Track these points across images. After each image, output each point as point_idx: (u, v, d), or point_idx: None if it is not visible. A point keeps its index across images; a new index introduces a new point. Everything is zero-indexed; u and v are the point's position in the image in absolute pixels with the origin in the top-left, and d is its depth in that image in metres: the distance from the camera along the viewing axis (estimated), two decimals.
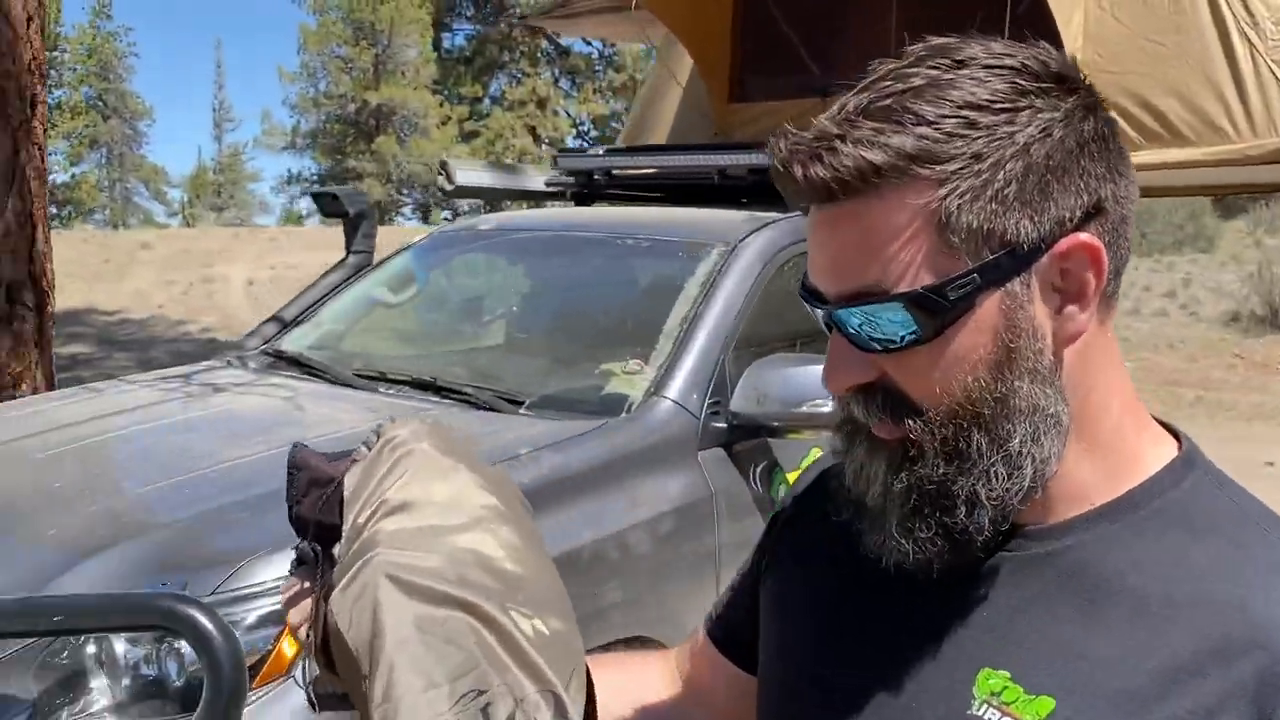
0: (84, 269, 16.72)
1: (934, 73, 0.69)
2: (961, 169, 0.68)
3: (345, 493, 0.87)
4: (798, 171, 0.69)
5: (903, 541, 0.72)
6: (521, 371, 2.82)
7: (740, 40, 3.77)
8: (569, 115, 42.31)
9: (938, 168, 0.67)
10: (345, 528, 0.85)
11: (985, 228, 0.68)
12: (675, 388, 2.50)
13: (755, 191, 3.31)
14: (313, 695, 0.88)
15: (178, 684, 1.68)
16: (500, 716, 0.74)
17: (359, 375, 2.84)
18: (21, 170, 3.79)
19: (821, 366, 2.26)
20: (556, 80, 42.12)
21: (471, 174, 3.80)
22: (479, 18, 41.31)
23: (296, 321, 3.38)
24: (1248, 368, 10.90)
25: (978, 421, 0.70)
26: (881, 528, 0.74)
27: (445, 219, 39.04)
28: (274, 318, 3.42)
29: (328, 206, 3.49)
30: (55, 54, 25.93)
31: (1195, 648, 0.67)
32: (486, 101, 40.85)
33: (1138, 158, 3.05)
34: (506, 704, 0.75)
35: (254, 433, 2.33)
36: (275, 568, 1.75)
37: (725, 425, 2.52)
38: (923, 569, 0.73)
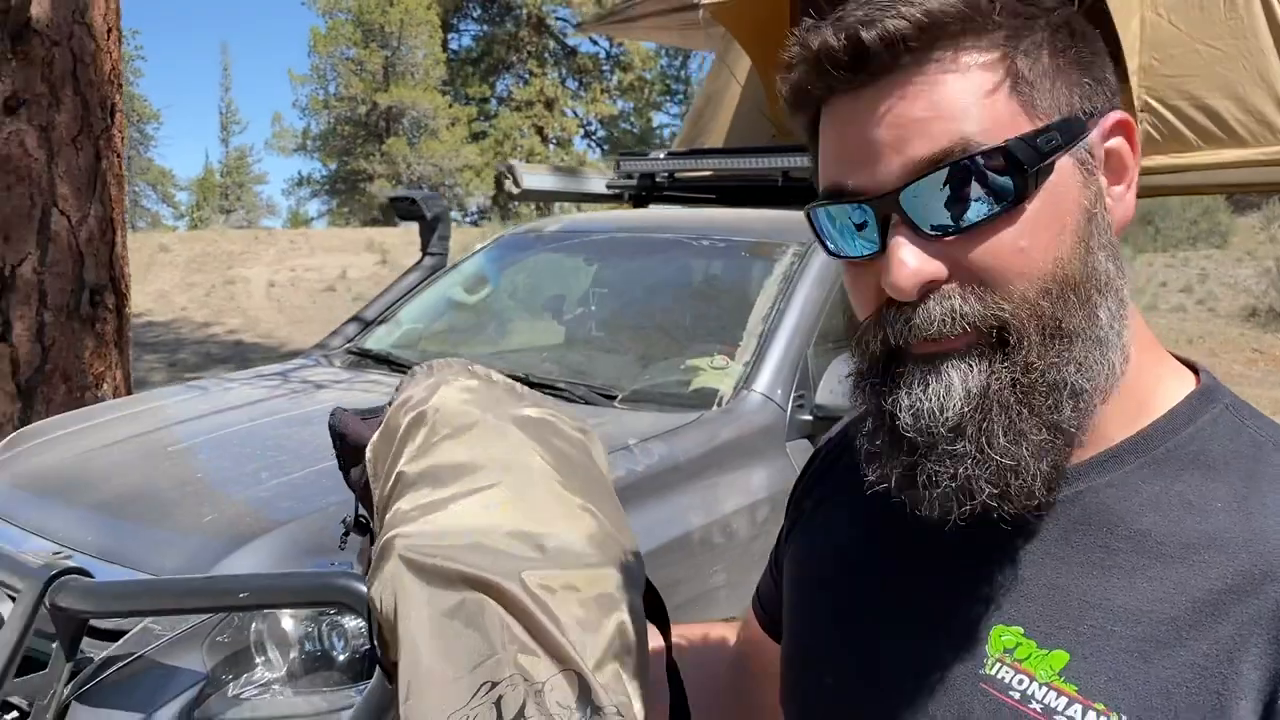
0: None
1: None
2: (1020, 27, 0.66)
3: (368, 464, 0.84)
4: (871, 33, 0.63)
5: (980, 461, 0.65)
6: (608, 367, 2.93)
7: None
8: (577, 115, 42.40)
9: (1001, 19, 0.65)
10: (375, 500, 0.83)
11: (1053, 87, 0.66)
12: (763, 381, 2.62)
13: (814, 191, 3.43)
14: (384, 665, 0.82)
15: (343, 657, 1.80)
16: (511, 710, 0.69)
17: None
18: (103, 177, 3.91)
19: None
20: (564, 80, 42.21)
21: (537, 178, 3.93)
22: (485, 18, 41.43)
23: (378, 321, 3.50)
24: (1268, 362, 10.99)
25: (1076, 293, 0.65)
26: (954, 455, 0.65)
27: (455, 220, 39.11)
28: (355, 318, 3.54)
29: (405, 210, 3.61)
30: None
31: (1211, 588, 0.64)
32: (494, 102, 40.97)
33: (1194, 157, 3.17)
34: (517, 695, 0.70)
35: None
36: None
37: (810, 417, 2.63)
38: (960, 512, 0.66)
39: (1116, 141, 0.69)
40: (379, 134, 35.46)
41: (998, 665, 0.69)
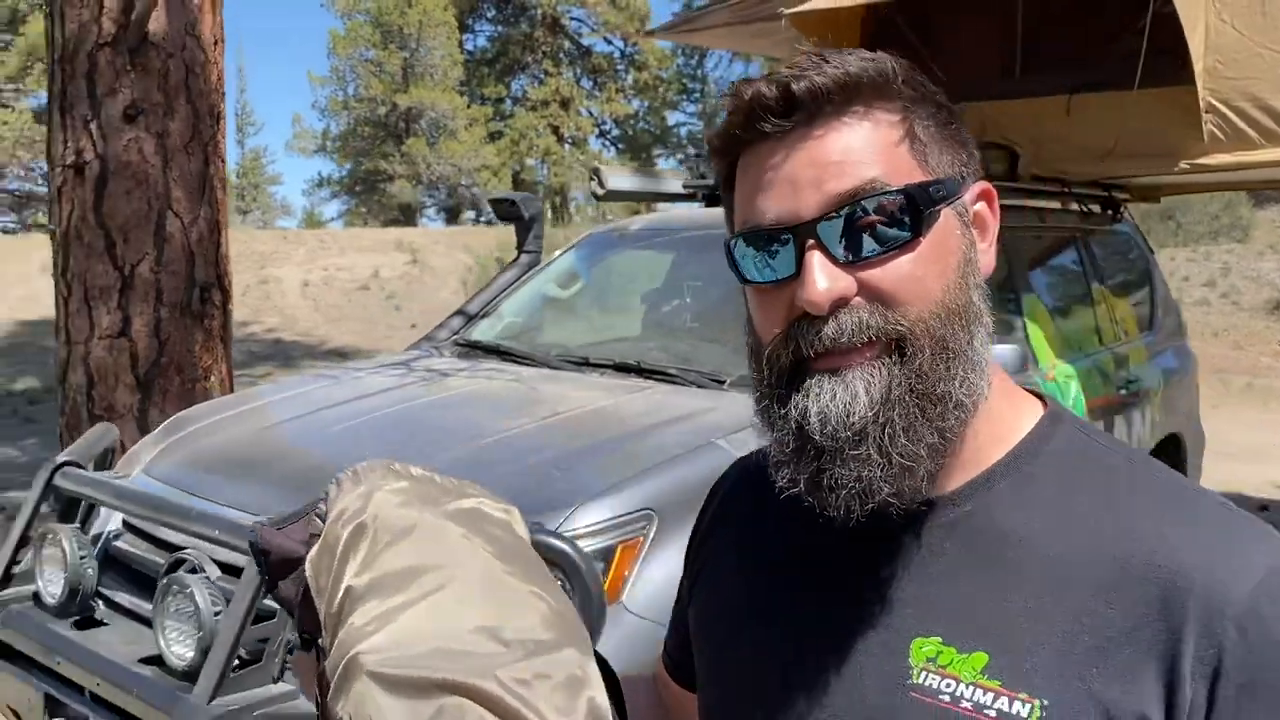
0: None
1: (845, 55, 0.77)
2: (916, 98, 0.77)
3: (309, 580, 0.85)
4: (801, 85, 0.73)
5: (881, 462, 0.73)
6: (711, 355, 3.13)
7: (870, 47, 4.08)
8: (592, 115, 42.57)
9: (903, 90, 0.77)
10: (321, 616, 0.84)
11: (940, 151, 0.78)
12: None
13: None
14: None
15: None
16: None
17: (564, 360, 3.17)
18: (210, 181, 4.14)
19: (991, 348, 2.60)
20: (579, 80, 42.38)
21: (620, 180, 4.13)
22: (500, 18, 41.64)
23: (481, 315, 3.72)
24: None
25: (958, 319, 0.75)
26: (857, 458, 0.74)
27: (471, 221, 39.36)
28: (459, 312, 3.76)
29: (504, 211, 3.82)
30: None
31: (1098, 581, 0.73)
32: (509, 102, 41.16)
33: (1256, 155, 3.37)
34: None
35: (514, 407, 2.67)
36: (594, 513, 2.09)
37: None
38: (861, 510, 0.75)
39: (981, 205, 0.81)
40: (398, 134, 35.71)
41: (923, 673, 0.76)
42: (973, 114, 3.88)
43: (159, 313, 3.96)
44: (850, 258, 0.74)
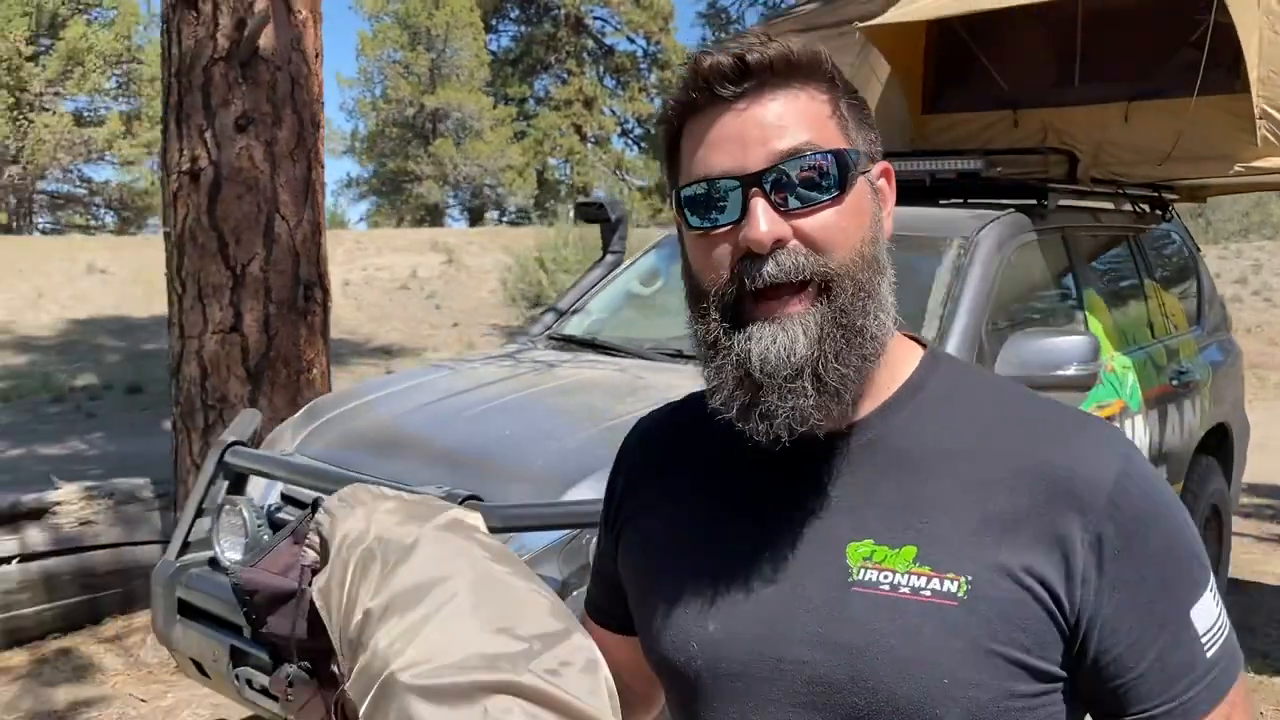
0: None
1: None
2: (840, 84, 0.92)
3: (319, 609, 0.89)
4: (753, 56, 0.86)
5: (815, 391, 0.86)
6: None
7: (934, 57, 4.31)
8: (615, 114, 42.81)
9: (832, 74, 0.91)
10: (335, 640, 0.87)
11: (858, 128, 0.92)
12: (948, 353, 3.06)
13: (960, 191, 3.86)
14: None
15: None
16: None
17: (658, 352, 3.42)
18: (313, 186, 4.40)
19: (1064, 339, 2.89)
20: (602, 79, 42.60)
21: None
22: (524, 18, 41.92)
23: (571, 311, 3.97)
24: None
25: (871, 266, 0.90)
26: (791, 390, 0.86)
27: (494, 220, 39.64)
28: (551, 308, 4.01)
29: (592, 214, 4.07)
30: (137, 65, 26.80)
31: (992, 477, 0.88)
32: (532, 102, 41.43)
33: None
34: None
35: (626, 393, 2.92)
36: None
37: None
38: (806, 432, 0.88)
39: (882, 181, 0.96)
40: (425, 135, 36.07)
41: (863, 570, 0.89)
42: (1034, 120, 4.11)
43: (268, 309, 4.24)
44: (787, 206, 0.87)
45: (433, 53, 35.15)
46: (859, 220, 0.89)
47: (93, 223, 29.50)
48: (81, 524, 4.62)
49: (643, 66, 42.68)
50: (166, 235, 4.38)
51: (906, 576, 0.87)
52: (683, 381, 3.05)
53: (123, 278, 16.91)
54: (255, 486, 2.81)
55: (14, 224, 27.59)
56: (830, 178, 0.87)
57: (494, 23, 40.73)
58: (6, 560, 4.37)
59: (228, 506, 2.57)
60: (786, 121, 0.87)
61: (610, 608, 1.12)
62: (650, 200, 37.40)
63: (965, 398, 0.95)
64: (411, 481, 2.48)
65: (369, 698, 0.81)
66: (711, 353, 0.90)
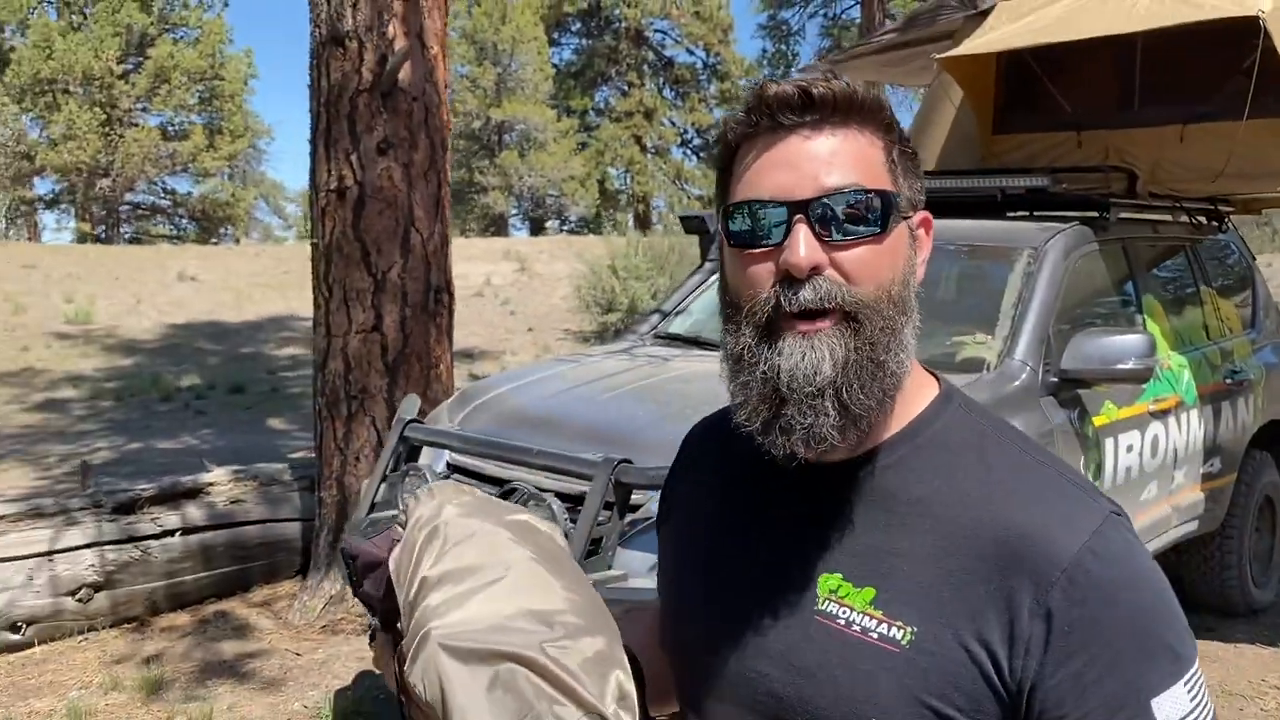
0: (269, 280, 18.37)
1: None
2: (897, 132, 0.95)
3: (391, 575, 1.03)
4: (818, 88, 0.90)
5: (836, 413, 0.89)
6: None
7: (1003, 83, 4.73)
8: (674, 125, 43.29)
9: (890, 121, 0.94)
10: (400, 605, 1.00)
11: (905, 175, 0.95)
12: (1021, 351, 3.48)
13: (1028, 206, 4.27)
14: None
15: None
16: None
17: None
18: (442, 202, 4.95)
19: (1123, 336, 3.39)
20: (661, 90, 43.12)
21: None
22: (585, 31, 42.63)
23: (675, 312, 4.45)
24: None
25: (898, 306, 0.92)
26: (813, 408, 0.89)
27: (554, 229, 40.32)
28: (657, 309, 4.50)
29: (694, 226, 4.56)
30: (219, 82, 27.93)
31: (959, 539, 0.91)
32: (593, 114, 42.07)
33: None
34: None
35: None
36: None
37: (1056, 379, 3.48)
38: (822, 452, 0.91)
39: (921, 231, 0.98)
40: (491, 147, 36.91)
41: (827, 602, 0.94)
42: (1097, 140, 4.51)
43: (404, 311, 4.78)
44: (828, 237, 0.89)
45: (499, 67, 35.99)
46: (893, 260, 0.92)
47: (175, 232, 30.79)
48: (232, 502, 5.20)
49: (702, 78, 43.07)
50: (314, 246, 4.94)
51: (861, 616, 0.92)
52: None
53: (212, 285, 17.78)
54: (423, 457, 3.32)
55: (103, 234, 28.92)
56: (872, 215, 0.90)
57: (557, 36, 41.48)
58: (170, 533, 4.96)
59: (412, 472, 3.08)
60: (840, 158, 0.90)
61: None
62: (708, 210, 37.78)
63: (961, 448, 0.96)
64: (568, 452, 2.98)
65: (413, 646, 0.95)
66: (738, 366, 0.93)
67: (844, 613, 0.93)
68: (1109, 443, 3.66)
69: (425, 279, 4.84)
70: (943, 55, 4.26)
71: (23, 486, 7.63)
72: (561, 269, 18.36)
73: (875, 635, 0.91)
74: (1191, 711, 0.86)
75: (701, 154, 43.12)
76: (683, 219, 4.72)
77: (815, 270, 0.89)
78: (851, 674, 0.90)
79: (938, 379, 1.02)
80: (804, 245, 0.88)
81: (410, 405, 3.45)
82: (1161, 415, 3.98)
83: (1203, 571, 4.62)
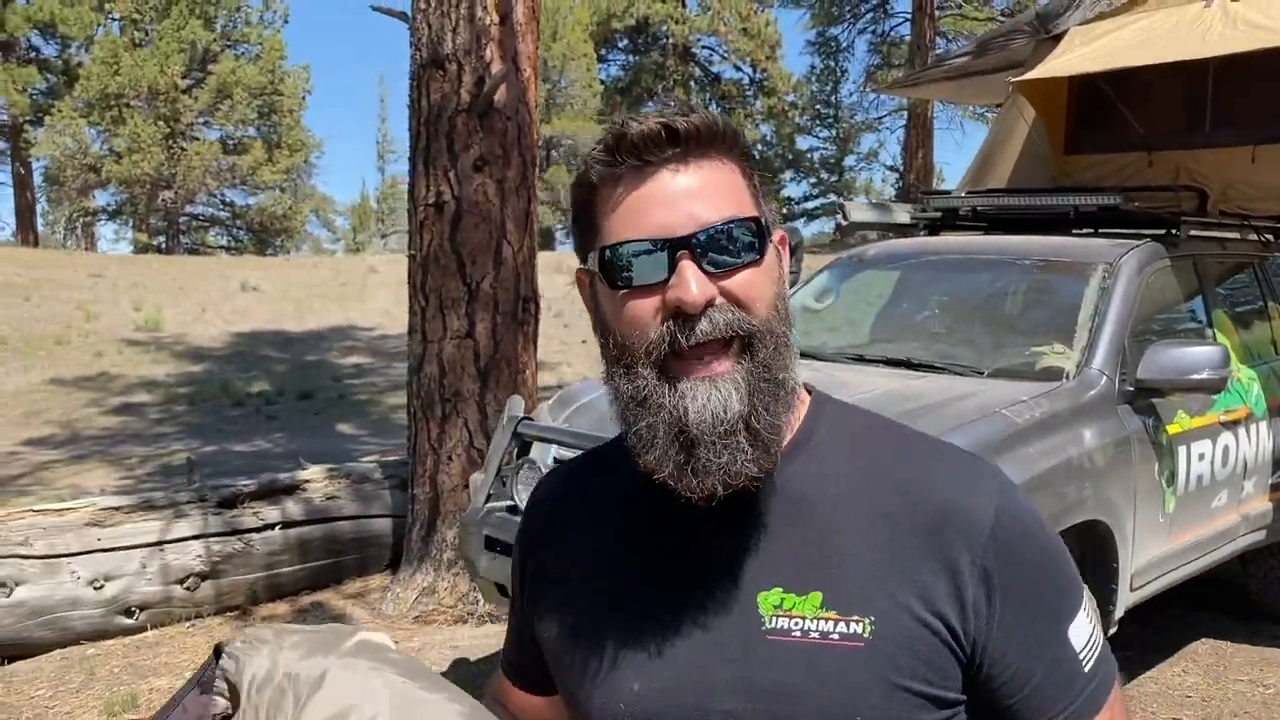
0: (327, 291, 18.80)
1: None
2: (749, 157, 0.97)
3: None
4: (681, 124, 0.90)
5: (750, 446, 0.89)
6: (968, 353, 3.98)
7: (1075, 104, 4.90)
8: None
9: (745, 146, 0.96)
10: None
11: (763, 198, 0.97)
12: (1098, 361, 3.65)
13: (1099, 223, 4.43)
14: None
15: None
16: None
17: (842, 355, 4.07)
18: (531, 216, 5.20)
19: (1197, 348, 3.57)
20: (708, 106, 43.34)
21: (860, 212, 5.03)
22: (633, 48, 43.03)
23: None
24: None
25: (785, 321, 0.94)
26: (727, 446, 0.89)
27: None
28: None
29: None
30: (278, 97, 28.64)
31: (887, 521, 0.94)
32: None
33: None
34: None
35: (831, 387, 3.58)
36: None
37: (1132, 388, 3.64)
38: (724, 491, 0.90)
39: (781, 247, 1.00)
40: (539, 163, 37.33)
41: (774, 619, 0.92)
42: (1167, 161, 4.67)
43: (495, 319, 5.03)
44: (714, 269, 0.91)
45: (548, 83, 36.45)
46: (772, 279, 0.95)
47: (232, 244, 31.55)
48: (327, 499, 5.47)
49: (749, 94, 43.23)
50: (411, 257, 5.20)
51: (815, 622, 0.91)
52: (867, 380, 3.69)
53: (273, 295, 18.24)
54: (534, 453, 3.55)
55: (162, 244, 29.71)
56: (751, 243, 0.92)
57: (604, 53, 41.92)
58: (270, 527, 5.24)
59: (527, 464, 3.31)
60: (710, 190, 0.91)
61: (527, 669, 1.15)
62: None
63: (853, 440, 1.00)
64: None
65: None
66: (641, 410, 0.92)
67: (796, 624, 0.92)
68: (1182, 450, 3.80)
69: (515, 289, 5.09)
70: (1017, 79, 4.44)
71: (110, 485, 7.98)
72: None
73: (836, 636, 0.91)
74: (1092, 630, 0.97)
75: None
76: None
77: (709, 303, 0.90)
78: (822, 684, 0.90)
79: (807, 389, 1.05)
80: (693, 281, 0.89)
81: (518, 404, 3.68)
82: (1232, 426, 4.12)
83: (1270, 581, 4.73)
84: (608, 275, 0.93)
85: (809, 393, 1.04)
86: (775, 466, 0.93)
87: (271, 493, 5.37)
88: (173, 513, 5.04)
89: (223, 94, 27.37)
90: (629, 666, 0.97)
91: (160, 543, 4.93)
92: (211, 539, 5.05)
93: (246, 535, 5.15)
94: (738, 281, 0.91)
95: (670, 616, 0.96)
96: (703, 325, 0.89)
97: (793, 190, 40.85)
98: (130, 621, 4.80)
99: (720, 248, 0.91)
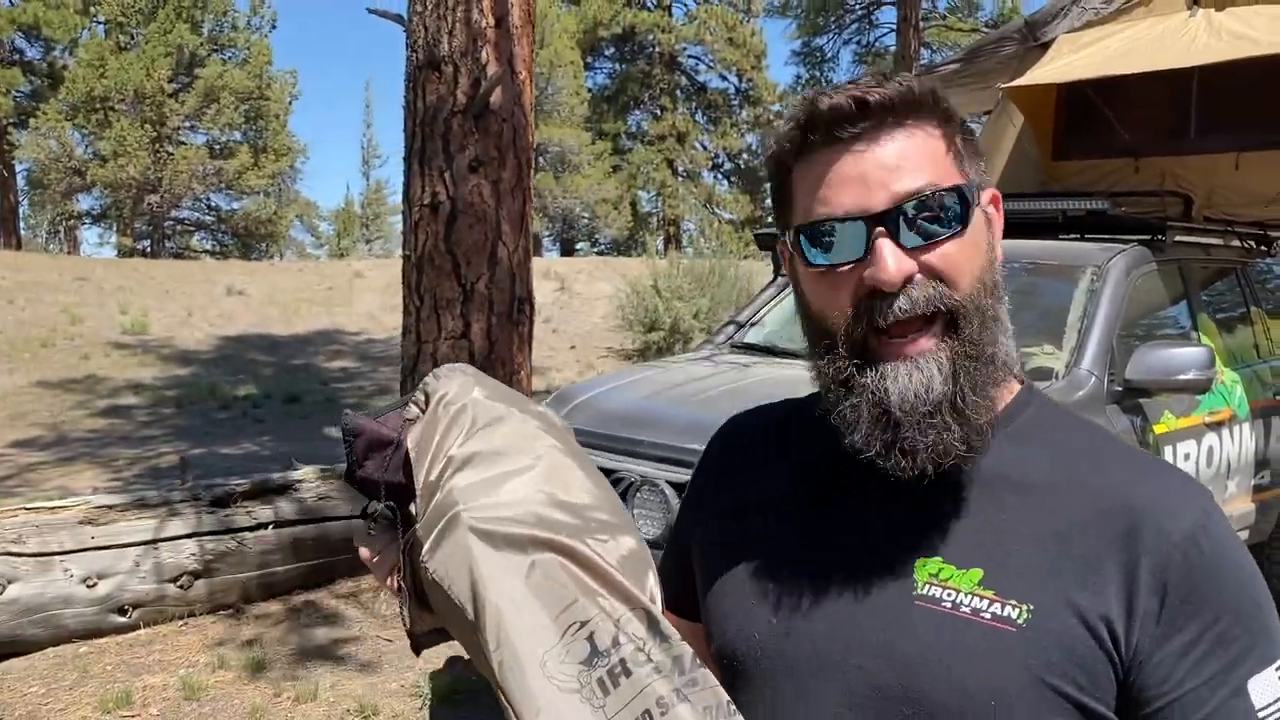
0: (313, 295, 18.77)
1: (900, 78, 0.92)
2: (952, 117, 0.93)
3: (410, 452, 0.95)
4: (873, 95, 0.87)
5: (957, 424, 0.87)
6: None
7: (1063, 110, 4.99)
8: (706, 149, 43.66)
9: (945, 110, 0.92)
10: (418, 485, 0.93)
11: (968, 160, 0.93)
12: (1087, 362, 3.72)
13: (1086, 228, 4.51)
14: (415, 637, 0.98)
15: None
16: (605, 641, 0.85)
17: None
18: (526, 218, 5.24)
19: (1184, 349, 3.66)
20: (694, 115, 43.53)
21: None
22: (619, 56, 43.16)
23: (750, 324, 4.71)
24: None
25: (992, 294, 0.91)
26: (933, 425, 0.87)
27: (585, 250, 40.72)
28: (732, 321, 4.76)
29: (765, 241, 4.82)
30: (264, 102, 28.60)
31: (1071, 516, 0.89)
32: (624, 137, 42.54)
33: None
34: (608, 628, 0.86)
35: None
36: None
37: (1120, 388, 3.71)
38: (935, 469, 0.88)
39: (991, 208, 0.97)
40: None
41: (928, 586, 0.90)
42: (1153, 167, 4.75)
43: (490, 320, 5.06)
44: (912, 244, 0.88)
45: (535, 90, 36.51)
46: (977, 249, 0.91)
47: (216, 248, 31.44)
48: (319, 499, 5.49)
49: (734, 103, 43.42)
50: (406, 257, 5.23)
51: (969, 597, 0.89)
52: None
53: (259, 299, 18.20)
54: None
55: (147, 248, 29.58)
56: (952, 213, 0.89)
57: (591, 61, 42.01)
58: (264, 526, 5.25)
59: None
60: (907, 161, 0.88)
61: (673, 588, 1.12)
62: (742, 234, 38.10)
63: (1052, 434, 0.97)
64: (668, 445, 3.23)
65: (436, 529, 0.89)
66: (844, 390, 0.91)
67: (949, 595, 0.89)
68: (1169, 450, 3.87)
69: (510, 290, 5.13)
70: (1008, 86, 4.52)
71: (100, 486, 7.96)
72: (601, 289, 18.67)
73: (988, 615, 0.87)
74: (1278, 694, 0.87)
75: (733, 178, 43.46)
76: (757, 235, 5.00)
77: (907, 280, 0.88)
78: (964, 659, 0.86)
79: (1019, 379, 1.02)
80: (890, 258, 0.87)
81: None
82: (1216, 427, 4.19)
83: None
84: (803, 254, 0.92)
85: (1020, 382, 1.00)
86: (987, 445, 0.91)
87: (264, 492, 5.38)
88: (166, 511, 5.05)
89: (209, 98, 27.28)
90: (775, 603, 0.96)
91: (154, 541, 4.93)
92: (205, 538, 5.05)
93: (240, 534, 5.16)
94: (938, 255, 0.88)
95: (826, 566, 0.95)
96: (901, 303, 0.87)
97: None
98: (123, 620, 4.80)
99: (918, 221, 0.88)
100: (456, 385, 0.98)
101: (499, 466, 0.91)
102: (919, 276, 0.88)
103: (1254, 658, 0.86)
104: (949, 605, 0.88)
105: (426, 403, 0.98)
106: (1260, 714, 0.85)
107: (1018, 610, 0.87)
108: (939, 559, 0.91)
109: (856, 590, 0.93)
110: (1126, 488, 0.90)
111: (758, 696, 0.95)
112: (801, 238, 0.91)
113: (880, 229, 0.87)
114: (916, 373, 0.87)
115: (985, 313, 0.90)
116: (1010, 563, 0.89)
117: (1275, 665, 0.87)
